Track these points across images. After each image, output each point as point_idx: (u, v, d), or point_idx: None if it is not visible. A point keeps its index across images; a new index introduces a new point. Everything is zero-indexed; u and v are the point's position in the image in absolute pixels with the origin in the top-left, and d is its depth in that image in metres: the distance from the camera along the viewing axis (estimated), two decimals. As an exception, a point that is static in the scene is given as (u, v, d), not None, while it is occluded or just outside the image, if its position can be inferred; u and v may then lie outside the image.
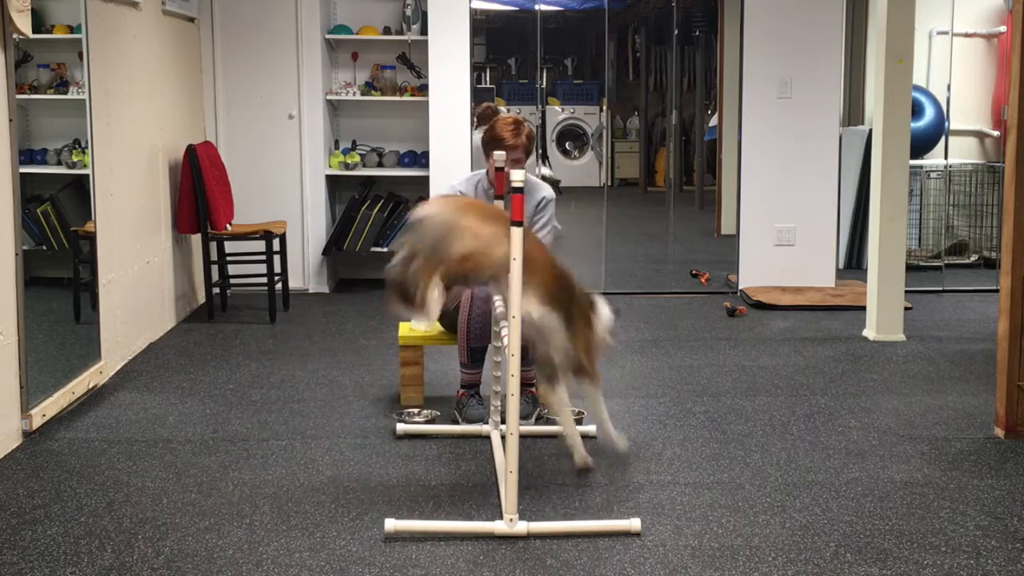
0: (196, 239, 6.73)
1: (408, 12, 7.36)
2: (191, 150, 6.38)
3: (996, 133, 8.37)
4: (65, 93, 5.13)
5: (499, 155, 4.25)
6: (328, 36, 7.39)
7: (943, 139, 8.13)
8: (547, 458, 4.15)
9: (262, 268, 6.65)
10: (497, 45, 9.65)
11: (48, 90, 5.10)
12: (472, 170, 7.19)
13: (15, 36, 4.23)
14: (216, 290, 6.74)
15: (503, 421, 3.94)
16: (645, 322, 6.57)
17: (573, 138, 10.11)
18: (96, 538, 3.41)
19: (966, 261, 8.24)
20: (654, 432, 4.46)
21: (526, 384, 4.57)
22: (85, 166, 5.04)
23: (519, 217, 3.38)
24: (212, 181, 6.48)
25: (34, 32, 4.37)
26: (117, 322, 5.37)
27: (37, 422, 4.37)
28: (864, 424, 4.57)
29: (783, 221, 7.33)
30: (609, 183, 9.28)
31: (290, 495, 3.77)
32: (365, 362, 5.58)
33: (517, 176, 3.38)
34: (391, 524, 3.42)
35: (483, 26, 9.05)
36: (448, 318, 4.68)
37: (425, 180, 7.27)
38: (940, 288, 7.50)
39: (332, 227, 7.47)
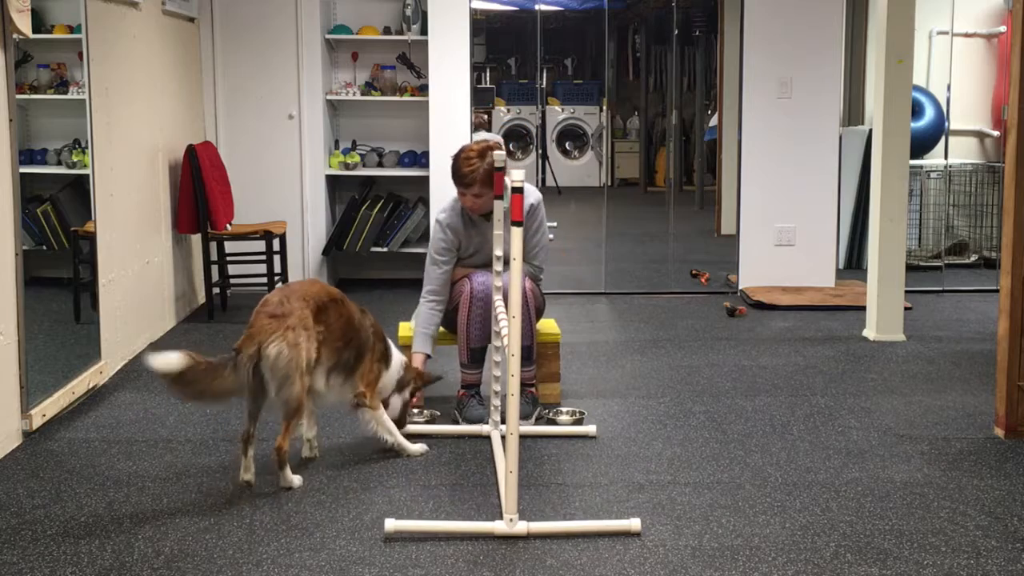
0: (196, 239, 6.73)
1: (408, 12, 7.36)
2: (191, 150, 6.38)
3: (996, 133, 8.37)
4: (65, 93, 5.13)
5: (499, 155, 4.23)
6: (328, 36, 7.39)
7: (943, 139, 8.13)
8: (547, 458, 4.15)
9: (262, 268, 6.65)
10: (497, 45, 9.64)
11: (48, 90, 5.10)
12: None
13: (15, 36, 4.23)
14: (216, 290, 6.74)
15: (503, 421, 3.94)
16: (645, 322, 6.57)
17: (573, 138, 10.10)
18: (96, 538, 3.41)
19: (966, 261, 8.24)
20: (654, 432, 4.46)
21: (526, 384, 4.58)
22: (85, 166, 5.04)
23: (519, 217, 3.38)
24: (212, 181, 6.48)
25: (34, 32, 4.37)
26: (117, 322, 5.37)
27: (37, 422, 4.37)
28: (864, 424, 4.57)
29: (783, 221, 7.33)
30: (609, 183, 9.27)
31: (290, 495, 3.78)
32: (365, 362, 5.58)
33: (517, 176, 3.39)
34: (391, 524, 3.42)
35: (483, 26, 9.04)
36: (447, 318, 4.68)
37: (425, 180, 7.27)
38: (940, 288, 7.49)
39: (332, 227, 7.47)
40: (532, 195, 4.61)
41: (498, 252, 4.18)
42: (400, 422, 4.29)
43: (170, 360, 3.59)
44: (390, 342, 4.29)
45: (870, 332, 6.11)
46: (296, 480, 3.85)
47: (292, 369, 3.74)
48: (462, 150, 4.51)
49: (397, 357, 4.29)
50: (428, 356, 4.58)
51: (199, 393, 3.75)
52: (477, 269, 4.62)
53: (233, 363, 3.72)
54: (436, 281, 4.62)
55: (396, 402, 4.29)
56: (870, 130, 7.48)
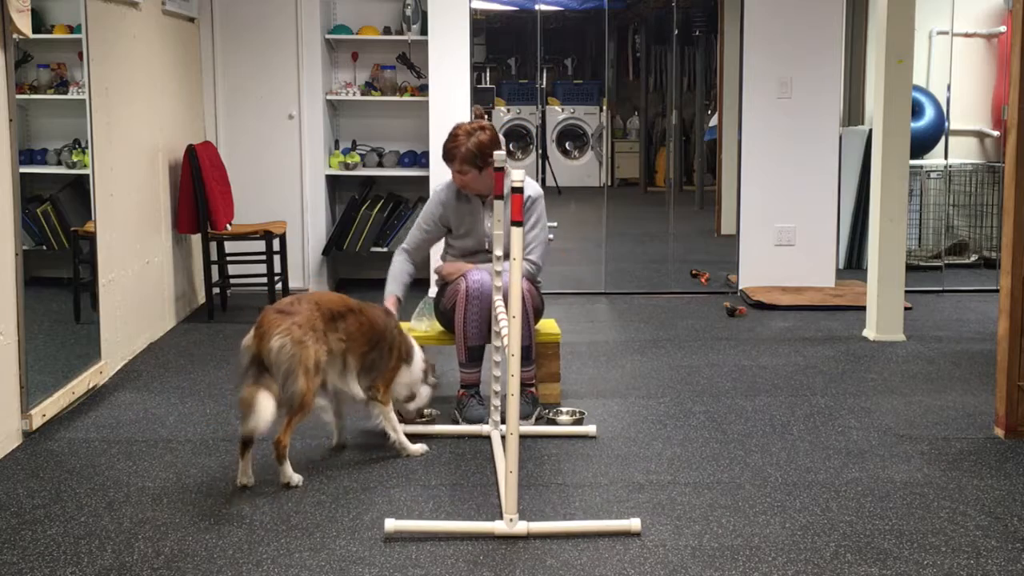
0: (196, 239, 6.73)
1: (408, 12, 7.36)
2: (191, 150, 6.38)
3: (996, 133, 8.37)
4: (65, 93, 5.13)
5: (499, 155, 4.24)
6: (328, 36, 7.39)
7: (943, 139, 8.13)
8: (547, 458, 4.15)
9: (262, 268, 6.65)
10: (497, 45, 9.64)
11: (48, 90, 5.10)
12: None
13: (15, 36, 4.23)
14: (216, 290, 6.74)
15: (503, 421, 3.94)
16: (645, 322, 6.57)
17: (573, 138, 10.11)
18: (96, 538, 3.41)
19: (966, 261, 8.24)
20: (654, 432, 4.46)
21: (526, 384, 4.58)
22: (85, 166, 5.04)
23: (519, 217, 3.38)
24: (212, 181, 6.48)
25: (34, 32, 4.37)
26: (117, 322, 5.37)
27: (37, 422, 4.37)
28: (864, 424, 4.57)
29: (783, 221, 7.33)
30: (609, 183, 9.27)
31: (290, 495, 3.78)
32: (365, 362, 5.58)
33: (517, 175, 3.39)
34: (391, 524, 3.42)
35: (483, 26, 9.04)
36: (446, 317, 4.69)
37: (425, 180, 7.27)
38: (940, 288, 7.49)
39: (332, 227, 7.47)
40: (531, 188, 4.63)
41: (498, 252, 4.19)
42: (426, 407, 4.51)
43: (267, 408, 3.67)
44: (412, 339, 4.36)
45: (870, 332, 6.11)
46: (296, 478, 3.85)
47: (296, 364, 3.76)
48: (455, 127, 4.64)
49: (418, 352, 4.36)
50: (399, 299, 4.66)
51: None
52: (473, 266, 4.62)
53: (264, 368, 3.78)
54: (412, 242, 4.79)
55: (425, 391, 4.40)
56: (870, 130, 7.48)
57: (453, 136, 4.57)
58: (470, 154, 4.49)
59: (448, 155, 4.56)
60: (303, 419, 3.90)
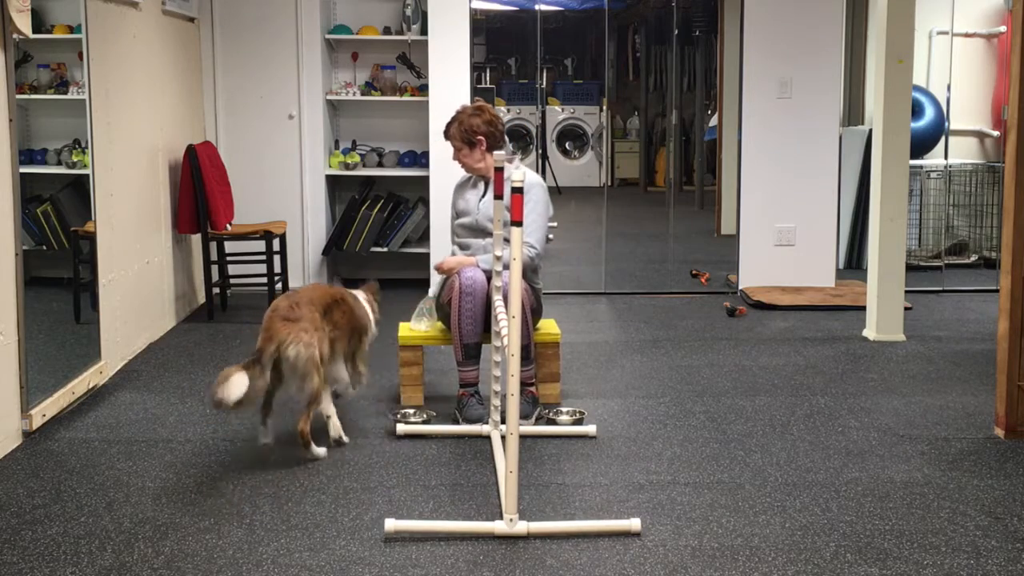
0: (196, 239, 6.73)
1: (408, 12, 7.36)
2: (191, 150, 6.38)
3: (996, 133, 8.37)
4: (65, 93, 5.13)
5: (499, 154, 4.25)
6: (328, 36, 7.39)
7: (943, 139, 8.13)
8: (547, 458, 4.16)
9: (262, 268, 6.65)
10: (497, 45, 9.65)
11: (48, 90, 5.10)
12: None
13: (15, 36, 4.23)
14: (216, 290, 6.74)
15: (503, 421, 3.94)
16: (645, 322, 6.57)
17: (573, 138, 10.12)
18: (96, 538, 3.41)
19: (966, 261, 8.24)
20: (654, 432, 4.47)
21: (526, 384, 4.58)
22: (85, 166, 5.04)
23: (519, 217, 3.38)
24: (212, 181, 6.48)
25: (34, 32, 4.37)
26: (117, 322, 5.37)
27: (37, 422, 4.37)
28: (864, 424, 4.57)
29: (783, 221, 7.33)
30: (609, 183, 9.28)
31: (290, 495, 3.78)
32: (365, 362, 5.58)
33: (517, 176, 3.40)
34: (391, 524, 3.42)
35: (483, 26, 9.05)
36: (444, 312, 4.69)
37: (425, 180, 7.28)
38: (940, 288, 7.50)
39: (332, 227, 7.47)
40: (529, 176, 4.66)
41: (498, 252, 4.19)
42: None
43: (239, 384, 3.88)
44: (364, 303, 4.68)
45: (870, 332, 6.11)
46: (322, 451, 4.15)
47: (310, 367, 4.09)
48: (460, 107, 4.90)
49: (369, 311, 4.70)
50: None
51: (251, 401, 4.00)
52: (475, 260, 4.62)
53: (259, 364, 4.01)
54: (452, 233, 5.03)
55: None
56: (870, 130, 7.48)
57: (454, 115, 4.85)
58: (459, 132, 4.77)
59: (445, 131, 4.85)
60: (317, 407, 4.15)
